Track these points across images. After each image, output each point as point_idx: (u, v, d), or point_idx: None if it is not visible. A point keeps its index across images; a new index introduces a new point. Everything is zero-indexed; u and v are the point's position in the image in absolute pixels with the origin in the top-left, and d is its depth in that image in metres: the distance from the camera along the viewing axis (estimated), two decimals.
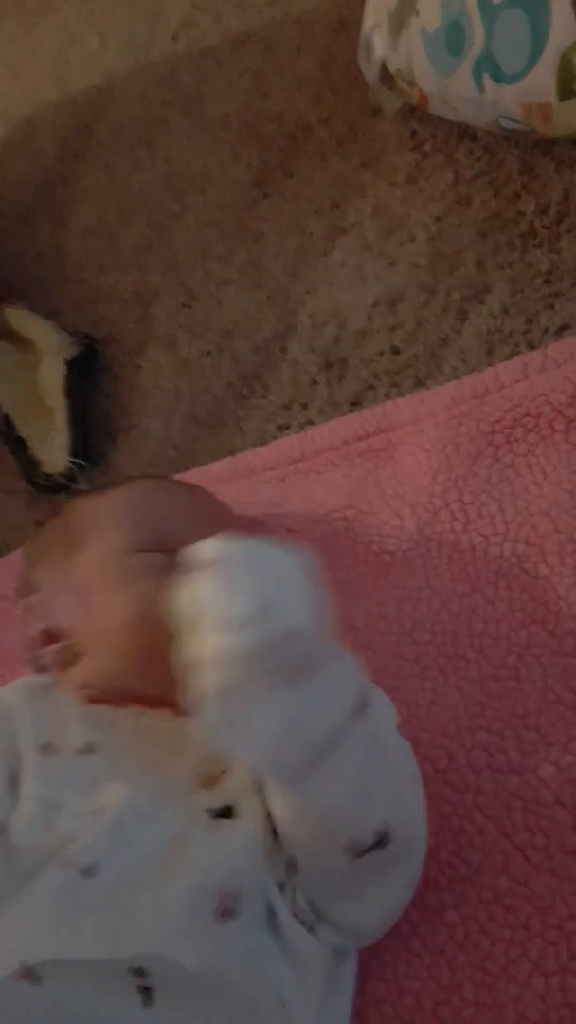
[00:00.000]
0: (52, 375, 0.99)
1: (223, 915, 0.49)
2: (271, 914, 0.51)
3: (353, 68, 1.06)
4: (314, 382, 0.87)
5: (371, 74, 0.94)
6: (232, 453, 0.87)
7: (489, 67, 0.78)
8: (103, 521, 0.65)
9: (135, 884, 0.49)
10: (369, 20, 0.92)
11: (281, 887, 0.51)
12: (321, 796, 0.47)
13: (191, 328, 0.98)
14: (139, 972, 0.46)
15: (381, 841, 0.49)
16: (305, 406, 0.86)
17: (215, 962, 0.47)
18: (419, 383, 0.81)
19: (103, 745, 0.56)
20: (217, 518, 0.67)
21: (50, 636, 0.62)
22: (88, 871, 0.49)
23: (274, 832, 0.52)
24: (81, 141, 1.26)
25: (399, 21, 0.85)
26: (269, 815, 0.52)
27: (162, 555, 0.60)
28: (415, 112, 0.97)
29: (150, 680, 0.55)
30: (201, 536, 0.64)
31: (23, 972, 0.46)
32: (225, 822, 0.52)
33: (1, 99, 1.41)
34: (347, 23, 1.10)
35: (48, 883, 0.49)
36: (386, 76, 0.93)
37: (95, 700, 0.59)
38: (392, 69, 0.90)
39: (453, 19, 0.79)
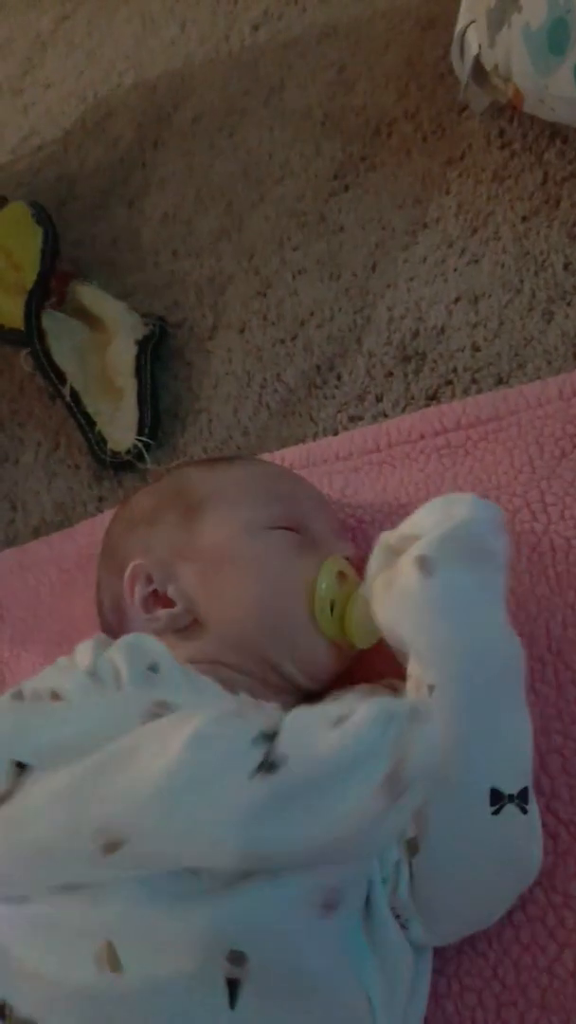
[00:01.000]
0: (123, 354, 0.99)
1: (326, 907, 0.47)
2: (367, 909, 0.50)
3: (440, 65, 1.06)
4: (390, 375, 0.86)
5: (464, 70, 0.93)
6: (303, 442, 0.86)
7: None
8: (229, 493, 0.64)
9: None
10: (465, 16, 0.92)
11: (384, 881, 0.50)
12: (490, 712, 0.50)
13: (265, 316, 0.98)
14: (238, 958, 0.44)
15: (522, 794, 0.49)
16: (379, 398, 0.86)
17: (309, 958, 0.46)
18: (500, 382, 0.80)
19: (186, 704, 0.53)
20: (327, 504, 0.68)
21: (163, 600, 0.62)
22: None
23: None
24: (159, 127, 1.27)
25: (500, 17, 0.84)
26: None
27: (292, 533, 0.61)
28: (504, 111, 0.96)
29: (270, 659, 0.55)
30: (323, 519, 0.66)
31: (107, 955, 0.44)
32: None
33: (78, 82, 1.42)
34: (436, 20, 1.10)
35: None
36: (479, 73, 0.92)
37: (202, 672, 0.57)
38: (488, 66, 0.90)
39: (558, 16, 0.78)
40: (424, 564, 0.52)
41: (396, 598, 0.53)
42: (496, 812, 0.49)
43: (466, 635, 0.52)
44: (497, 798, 0.49)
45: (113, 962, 0.44)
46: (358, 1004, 0.47)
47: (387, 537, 0.57)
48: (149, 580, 0.63)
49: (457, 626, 0.52)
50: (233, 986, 0.44)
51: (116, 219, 1.21)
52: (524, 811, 0.51)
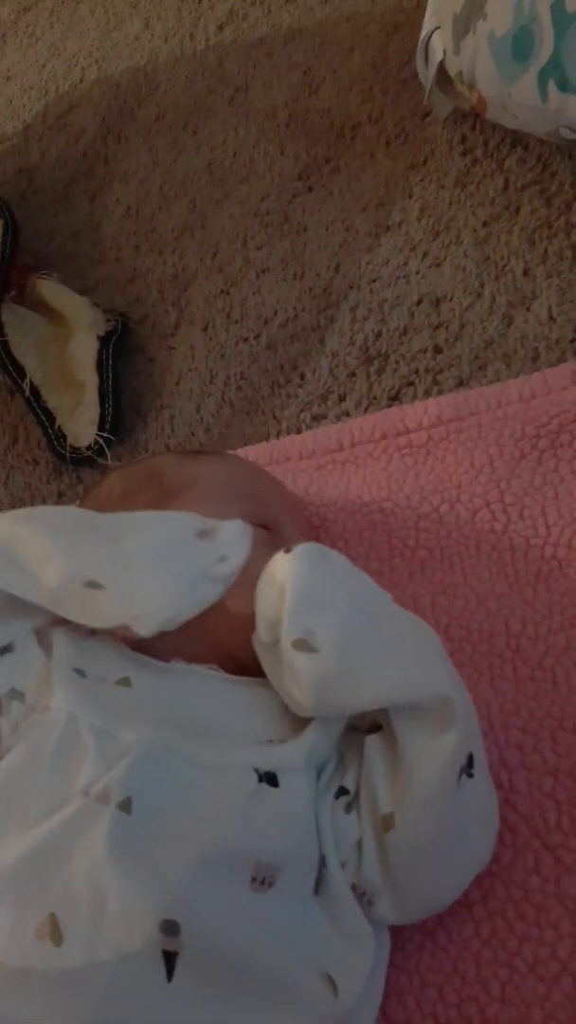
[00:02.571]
0: (84, 349, 0.98)
1: (260, 883, 0.47)
2: (325, 889, 0.50)
3: (404, 70, 1.07)
4: (353, 375, 0.87)
5: (428, 75, 0.94)
6: (266, 440, 0.86)
7: (556, 75, 0.78)
8: (203, 485, 0.64)
9: (168, 832, 0.47)
10: (430, 21, 0.93)
11: (343, 864, 0.51)
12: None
13: (228, 314, 0.98)
14: (172, 927, 0.44)
15: (470, 762, 0.50)
16: (342, 398, 0.86)
17: (246, 933, 0.46)
18: (461, 383, 0.81)
19: (142, 684, 0.54)
20: (296, 502, 0.68)
21: None
22: (125, 807, 0.47)
23: (347, 807, 0.51)
24: (122, 122, 1.26)
25: (465, 24, 0.85)
26: (340, 791, 0.52)
27: (263, 530, 0.61)
28: (467, 118, 0.98)
29: (238, 644, 0.55)
30: (292, 519, 0.66)
31: (44, 928, 0.44)
32: (269, 790, 0.50)
33: (40, 75, 1.41)
34: (401, 25, 1.11)
35: (85, 820, 0.46)
36: (443, 78, 0.93)
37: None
38: (452, 72, 0.91)
39: (523, 24, 0.79)
40: (302, 646, 0.51)
41: (308, 685, 0.52)
42: (458, 781, 0.50)
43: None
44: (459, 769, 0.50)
45: (55, 935, 0.44)
46: (309, 978, 0.47)
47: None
48: None
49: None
50: (170, 959, 0.44)
51: (78, 213, 1.20)
52: (471, 768, 0.51)
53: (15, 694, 0.53)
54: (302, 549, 0.54)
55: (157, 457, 0.73)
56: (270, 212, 1.03)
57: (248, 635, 0.55)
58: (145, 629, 0.53)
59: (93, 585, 0.53)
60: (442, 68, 0.92)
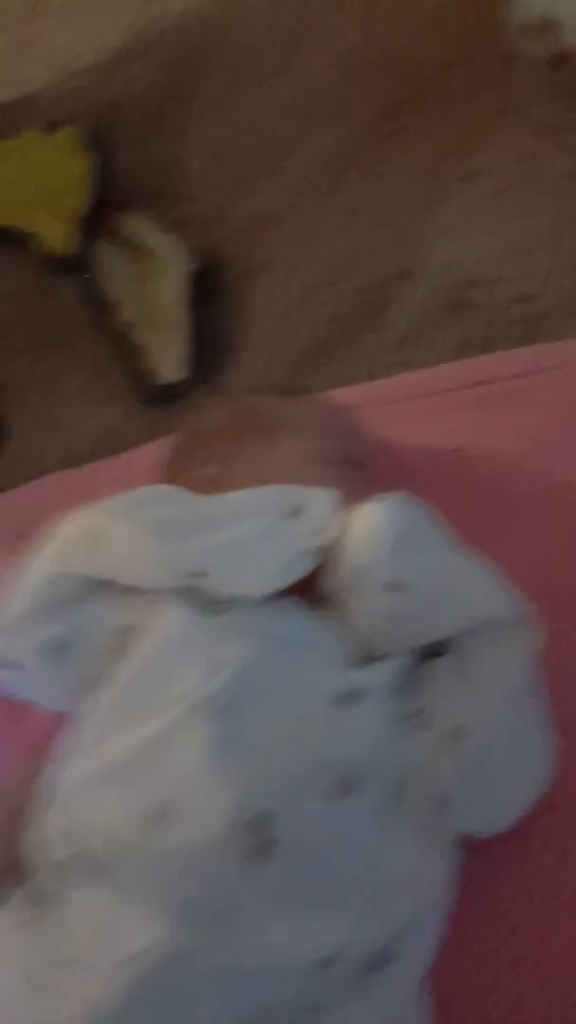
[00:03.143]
0: (172, 288, 1.01)
1: (340, 791, 0.51)
2: (399, 796, 0.54)
3: (493, 14, 1.05)
4: (435, 323, 0.89)
5: (517, 20, 0.94)
6: (345, 384, 0.89)
7: None
8: (301, 424, 0.69)
9: (263, 736, 0.52)
10: None
11: (419, 773, 0.55)
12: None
13: (310, 257, 1.00)
14: (264, 823, 0.49)
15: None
16: (425, 346, 0.89)
17: (330, 836, 0.50)
18: (549, 335, 0.83)
19: (238, 612, 0.58)
20: (379, 444, 0.72)
21: None
22: (226, 711, 0.52)
23: (419, 727, 0.56)
24: (208, 57, 1.26)
25: None
26: (412, 712, 0.56)
27: (351, 469, 0.65)
28: (557, 62, 0.97)
29: (313, 583, 0.59)
30: (376, 459, 0.70)
31: (149, 815, 0.49)
32: (350, 708, 0.54)
33: (136, 9, 1.40)
34: None
35: (191, 719, 0.52)
36: (534, 23, 0.93)
37: None
38: (543, 16, 0.91)
39: None
40: (395, 585, 0.55)
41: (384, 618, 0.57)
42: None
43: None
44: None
45: (160, 823, 0.49)
46: (387, 890, 0.51)
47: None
48: (218, 488, 0.67)
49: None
50: (261, 853, 0.49)
51: (161, 150, 1.21)
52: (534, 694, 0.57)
53: (129, 628, 0.59)
54: (392, 499, 0.58)
55: (254, 397, 0.77)
56: (354, 155, 1.04)
57: (319, 575, 0.59)
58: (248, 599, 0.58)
59: (197, 575, 0.58)
60: (533, 12, 0.92)
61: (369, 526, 0.57)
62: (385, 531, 0.56)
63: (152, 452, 0.93)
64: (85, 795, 0.53)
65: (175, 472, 0.74)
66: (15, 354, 1.11)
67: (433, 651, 0.59)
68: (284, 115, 1.13)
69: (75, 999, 0.46)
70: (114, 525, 0.62)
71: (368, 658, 0.58)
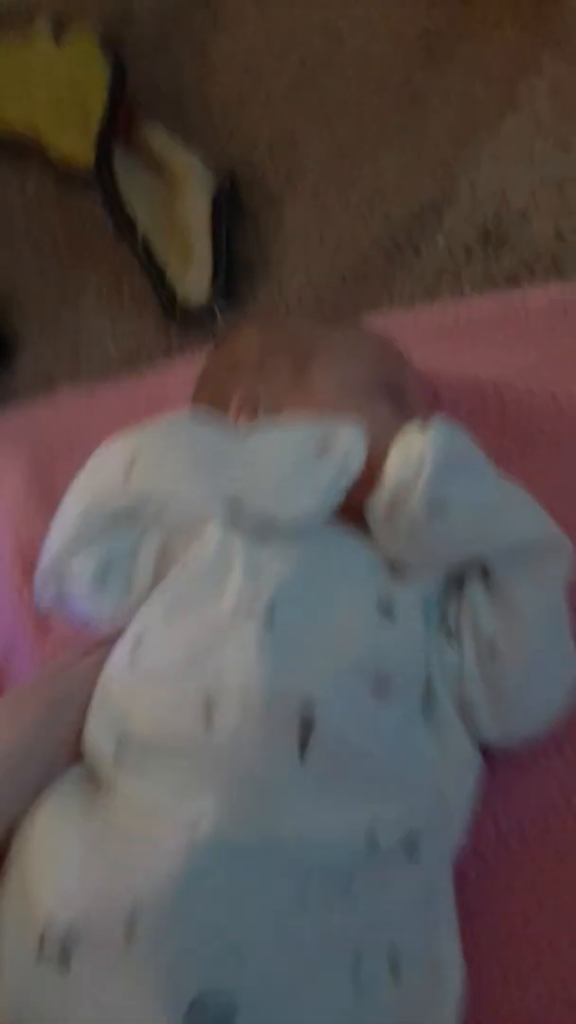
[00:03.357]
0: (195, 207, 0.99)
1: (377, 694, 0.53)
2: (429, 701, 0.56)
3: None
4: (469, 253, 0.89)
5: None
6: (377, 311, 0.89)
7: None
8: (340, 351, 0.68)
9: (307, 640, 0.54)
10: None
11: (445, 680, 0.57)
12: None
13: (341, 181, 0.99)
14: (307, 716, 0.51)
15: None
16: (458, 276, 0.88)
17: (367, 732, 0.53)
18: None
19: (272, 540, 0.59)
20: (417, 373, 0.72)
21: None
22: (271, 617, 0.54)
23: (449, 641, 0.58)
24: None
25: None
26: (443, 628, 0.59)
27: (390, 394, 0.65)
28: None
29: (362, 498, 0.60)
30: (415, 386, 0.70)
31: (199, 709, 0.52)
32: (388, 617, 0.56)
33: None
34: None
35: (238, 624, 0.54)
36: None
37: None
38: None
39: None
40: (436, 506, 0.56)
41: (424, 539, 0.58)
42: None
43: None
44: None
45: (207, 717, 0.51)
46: (425, 786, 0.54)
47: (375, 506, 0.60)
48: (254, 413, 0.67)
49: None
50: (304, 743, 0.51)
51: (180, 62, 1.17)
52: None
53: (170, 549, 0.60)
54: (440, 425, 0.58)
55: (291, 321, 0.76)
56: (389, 78, 1.02)
57: (357, 498, 0.61)
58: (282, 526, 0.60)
59: (235, 500, 0.58)
60: None
61: (418, 447, 0.57)
62: (434, 452, 0.57)
63: (178, 369, 0.93)
64: (136, 690, 0.55)
65: (205, 392, 0.73)
66: (28, 265, 1.09)
67: (466, 572, 0.61)
68: (312, 33, 1.10)
69: (139, 870, 0.48)
70: (149, 451, 0.62)
71: (402, 575, 0.60)
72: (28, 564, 0.80)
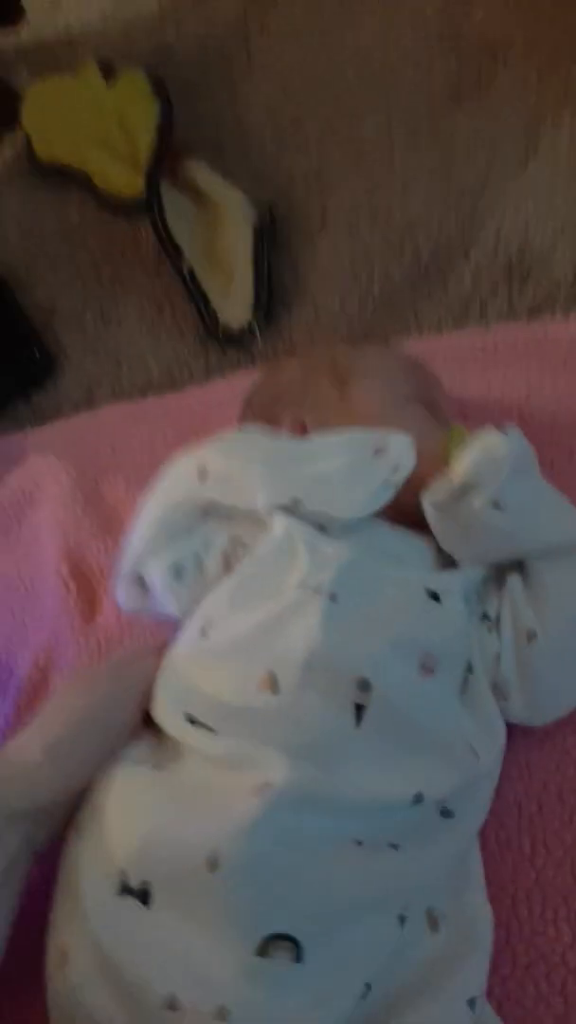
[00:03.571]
0: (238, 236, 1.06)
1: (424, 669, 0.60)
2: (468, 680, 0.63)
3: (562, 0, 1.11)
4: (495, 287, 0.96)
5: None
6: (407, 337, 0.96)
7: None
8: (376, 368, 0.75)
9: (364, 618, 0.60)
10: None
11: (485, 670, 0.64)
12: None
13: (373, 216, 1.06)
14: (364, 685, 0.57)
15: None
16: (483, 307, 0.95)
17: (415, 703, 0.59)
18: None
19: (332, 533, 0.66)
20: (445, 395, 0.79)
21: None
22: (333, 597, 0.60)
23: (488, 629, 0.65)
24: (265, 13, 1.29)
25: None
26: (483, 616, 0.65)
27: (424, 406, 0.72)
28: None
29: (409, 500, 0.66)
30: (444, 399, 0.77)
31: (265, 680, 0.58)
32: (434, 602, 0.63)
33: None
34: None
35: (302, 604, 0.60)
36: None
37: None
38: None
39: None
40: (498, 505, 0.64)
41: (478, 534, 0.65)
42: None
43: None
44: None
45: (273, 686, 0.58)
46: (462, 746, 0.60)
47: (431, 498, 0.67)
48: (304, 430, 0.74)
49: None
50: (360, 710, 0.57)
51: (218, 101, 1.24)
52: None
53: (237, 543, 0.68)
54: (514, 432, 0.65)
55: (327, 348, 0.83)
56: (418, 122, 1.10)
57: (408, 499, 0.67)
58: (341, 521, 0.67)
59: (295, 501, 0.65)
60: None
61: (500, 448, 0.64)
62: (504, 456, 0.63)
63: (218, 385, 0.99)
64: (206, 665, 0.62)
65: (255, 418, 0.79)
66: (71, 288, 1.15)
67: (507, 568, 0.68)
68: (346, 78, 1.17)
69: (217, 818, 0.53)
70: (219, 460, 0.69)
71: (448, 566, 0.67)
72: (75, 563, 0.87)
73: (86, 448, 0.98)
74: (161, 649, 0.67)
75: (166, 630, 0.73)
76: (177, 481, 0.70)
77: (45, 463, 0.97)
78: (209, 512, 0.69)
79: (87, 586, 0.85)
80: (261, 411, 0.79)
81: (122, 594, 0.73)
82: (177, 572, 0.68)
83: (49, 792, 0.59)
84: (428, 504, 0.66)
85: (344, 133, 1.14)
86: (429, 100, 1.10)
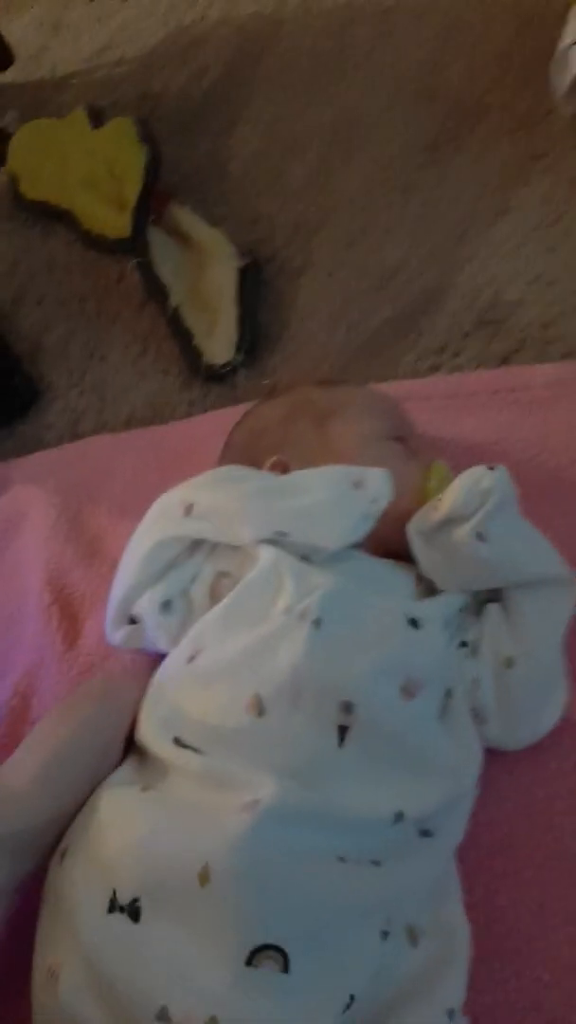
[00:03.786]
0: (223, 277, 1.10)
1: (406, 693, 0.63)
2: (448, 704, 0.65)
3: (533, 63, 1.17)
4: (467, 334, 1.00)
5: (560, 84, 1.07)
6: (386, 381, 1.00)
7: None
8: (353, 407, 0.79)
9: (348, 643, 0.63)
10: (569, 36, 1.05)
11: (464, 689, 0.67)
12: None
13: (353, 264, 1.10)
14: (347, 708, 0.60)
15: None
16: (457, 354, 1.00)
17: (397, 725, 0.61)
18: (566, 356, 0.95)
19: (317, 563, 0.69)
20: (419, 436, 0.83)
21: None
22: (317, 623, 0.63)
23: (468, 655, 0.68)
24: (247, 68, 1.35)
25: None
26: (462, 643, 0.68)
27: (400, 444, 0.76)
28: None
29: (389, 532, 0.70)
30: (417, 437, 0.81)
31: (252, 703, 0.60)
32: (415, 629, 0.66)
33: (167, 9, 1.48)
34: (531, 19, 1.20)
35: (288, 629, 0.63)
36: (569, 83, 1.06)
37: None
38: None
39: None
40: (481, 536, 0.67)
41: (461, 563, 0.69)
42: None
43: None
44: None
45: (259, 709, 0.60)
46: (442, 766, 0.62)
47: (418, 527, 0.71)
48: (286, 469, 0.77)
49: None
50: (343, 731, 0.60)
51: (201, 149, 1.29)
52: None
53: (224, 575, 0.70)
54: (501, 469, 0.69)
55: (303, 388, 0.86)
56: (396, 177, 1.15)
57: (388, 531, 0.70)
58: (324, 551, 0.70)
59: (280, 534, 0.68)
60: (569, 73, 1.05)
61: (487, 482, 0.68)
62: (491, 489, 0.67)
63: (202, 420, 1.02)
64: (193, 690, 0.64)
65: (236, 460, 0.81)
66: (57, 323, 1.18)
67: (485, 599, 0.71)
68: (325, 132, 1.23)
69: (208, 835, 0.55)
70: (205, 496, 0.72)
71: (429, 595, 0.70)
72: (57, 590, 0.89)
73: (70, 477, 1.01)
74: (143, 672, 0.69)
75: (147, 654, 0.75)
76: (163, 517, 0.73)
77: (29, 491, 1.00)
78: (195, 547, 0.72)
79: (69, 612, 0.87)
80: (242, 452, 0.81)
81: (116, 635, 0.75)
82: (165, 606, 0.71)
83: (36, 818, 0.60)
84: (414, 532, 0.70)
85: (326, 182, 1.18)
86: (405, 157, 1.16)
